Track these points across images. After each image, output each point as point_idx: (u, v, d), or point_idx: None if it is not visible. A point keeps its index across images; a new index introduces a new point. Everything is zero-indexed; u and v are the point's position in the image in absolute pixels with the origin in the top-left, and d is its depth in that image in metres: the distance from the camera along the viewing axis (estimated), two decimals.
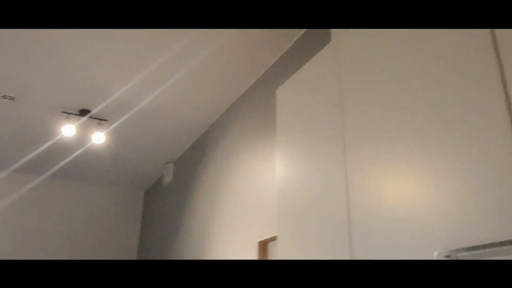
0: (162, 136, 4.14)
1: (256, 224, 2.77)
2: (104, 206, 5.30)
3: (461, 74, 1.08)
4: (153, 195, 5.24)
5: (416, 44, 1.24)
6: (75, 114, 3.66)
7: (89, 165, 4.76)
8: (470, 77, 1.06)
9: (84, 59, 2.97)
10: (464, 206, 1.02)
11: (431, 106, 1.15)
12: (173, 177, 4.57)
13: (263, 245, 2.69)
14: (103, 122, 3.79)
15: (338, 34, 1.62)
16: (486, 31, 1.04)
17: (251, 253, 2.75)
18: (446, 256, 1.03)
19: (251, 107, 3.15)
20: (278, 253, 1.83)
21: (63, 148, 4.31)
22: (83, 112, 3.65)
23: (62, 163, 4.65)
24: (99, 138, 3.79)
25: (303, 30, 2.63)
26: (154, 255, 4.71)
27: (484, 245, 0.95)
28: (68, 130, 3.64)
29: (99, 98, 3.46)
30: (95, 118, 3.73)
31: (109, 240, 5.20)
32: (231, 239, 3.07)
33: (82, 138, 4.05)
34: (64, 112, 3.65)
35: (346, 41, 1.57)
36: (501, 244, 0.92)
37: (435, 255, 1.06)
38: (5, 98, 3.42)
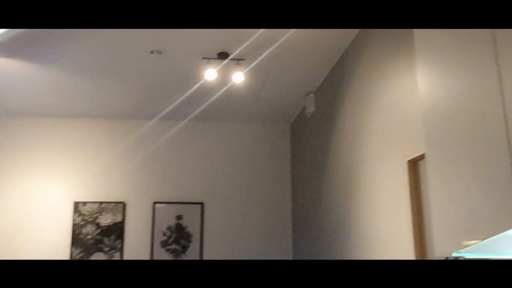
0: (299, 68, 4.14)
1: (403, 143, 2.67)
2: (252, 144, 5.59)
3: None
4: (298, 127, 5.36)
5: None
6: (215, 58, 3.85)
7: (233, 105, 5.02)
8: None
9: None
10: None
11: None
12: (315, 107, 4.59)
13: (413, 164, 2.59)
14: (241, 62, 3.93)
15: None
16: None
17: (400, 173, 2.68)
18: None
19: None
20: (428, 173, 1.75)
21: (206, 92, 4.60)
22: (222, 55, 3.82)
23: (205, 105, 4.96)
24: (238, 77, 3.96)
25: None
26: (307, 187, 4.89)
27: None
28: (210, 74, 3.87)
29: (236, 40, 3.58)
30: (233, 59, 3.88)
31: (262, 176, 5.52)
32: (379, 160, 3.02)
33: (222, 79, 4.26)
34: (205, 58, 3.86)
35: None
36: None
37: None
38: (152, 53, 3.75)
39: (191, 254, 5.15)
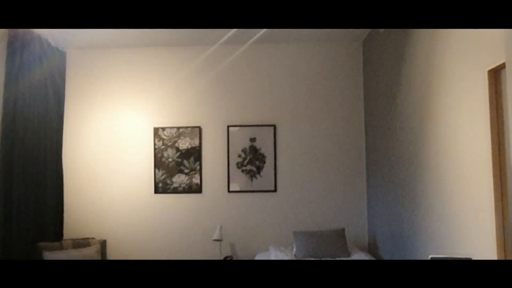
0: None
1: (483, 51, 2.49)
2: (323, 64, 5.48)
3: None
4: (371, 45, 5.15)
5: None
6: None
7: None
8: None
9: None
10: None
11: None
12: None
13: (494, 74, 2.42)
14: None
15: None
16: None
17: (480, 85, 2.54)
18: None
19: None
20: (509, 83, 1.65)
21: None
22: None
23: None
24: None
25: None
26: (381, 106, 4.78)
27: None
28: None
29: None
30: None
31: (334, 96, 5.45)
32: (457, 71, 2.87)
33: None
34: None
35: None
36: None
37: None
38: None
39: (266, 174, 5.36)
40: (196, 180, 5.39)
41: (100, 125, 5.48)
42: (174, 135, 5.41)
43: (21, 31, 4.61)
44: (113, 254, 5.24)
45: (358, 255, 4.59)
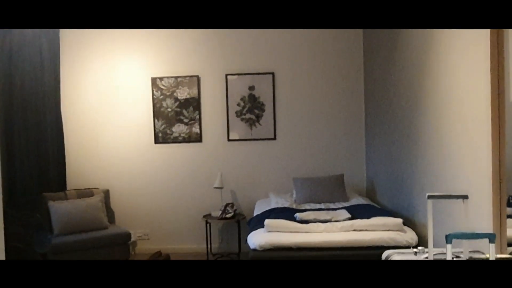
0: None
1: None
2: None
3: None
4: None
5: None
6: None
7: None
8: None
9: None
10: None
11: None
12: None
13: (496, 33, 2.37)
14: None
15: None
16: None
17: (481, 44, 2.50)
18: None
19: None
20: None
21: None
22: None
23: None
24: None
25: None
26: (380, 60, 4.73)
27: None
28: None
29: None
30: None
31: (332, 46, 5.38)
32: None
33: None
34: None
35: None
36: None
37: None
38: None
39: (265, 122, 5.38)
40: (195, 129, 5.41)
41: (98, 76, 5.44)
42: (172, 85, 5.38)
43: None
44: (116, 203, 5.35)
45: (357, 200, 4.70)
